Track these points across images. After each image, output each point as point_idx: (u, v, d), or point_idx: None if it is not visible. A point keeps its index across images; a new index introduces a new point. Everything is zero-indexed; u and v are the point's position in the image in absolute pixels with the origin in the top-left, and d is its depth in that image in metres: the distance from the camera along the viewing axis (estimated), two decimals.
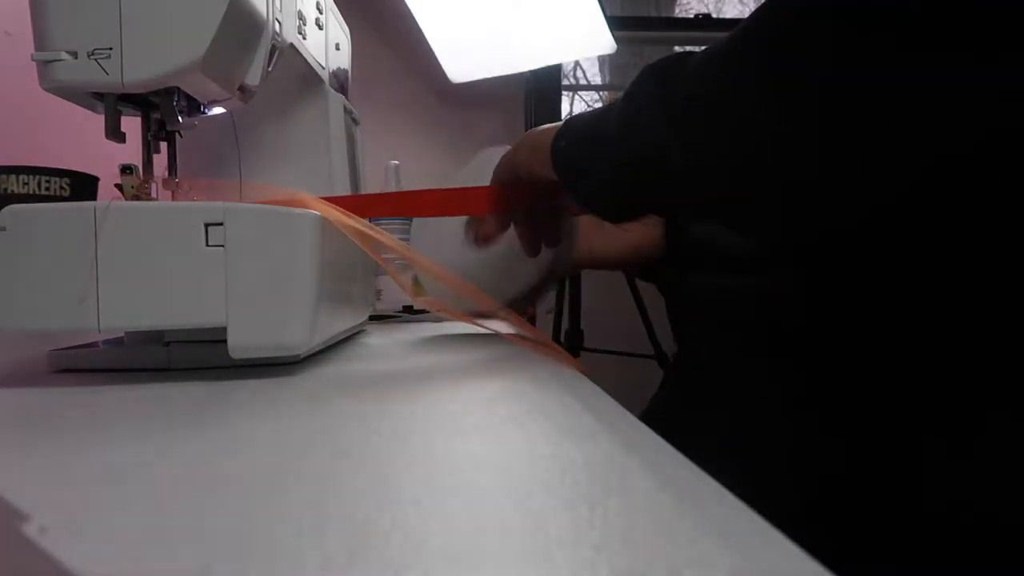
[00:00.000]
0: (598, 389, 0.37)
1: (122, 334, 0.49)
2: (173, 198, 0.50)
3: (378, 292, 0.82)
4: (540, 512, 0.18)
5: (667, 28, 2.19)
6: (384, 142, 1.72)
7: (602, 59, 2.28)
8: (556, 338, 1.46)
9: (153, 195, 0.48)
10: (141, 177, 0.47)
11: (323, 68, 0.61)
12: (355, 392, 0.37)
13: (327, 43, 0.63)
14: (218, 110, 0.52)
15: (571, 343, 1.45)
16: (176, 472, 0.23)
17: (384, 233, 0.49)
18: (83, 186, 0.69)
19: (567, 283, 1.46)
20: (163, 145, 0.50)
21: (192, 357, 0.44)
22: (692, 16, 2.09)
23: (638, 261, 0.73)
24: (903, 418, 0.41)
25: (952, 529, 0.38)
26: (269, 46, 0.49)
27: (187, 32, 0.42)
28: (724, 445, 0.46)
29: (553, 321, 1.49)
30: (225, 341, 0.39)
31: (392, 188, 0.92)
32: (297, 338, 0.41)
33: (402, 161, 0.97)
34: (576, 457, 0.23)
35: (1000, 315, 0.37)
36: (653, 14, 2.35)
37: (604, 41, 1.50)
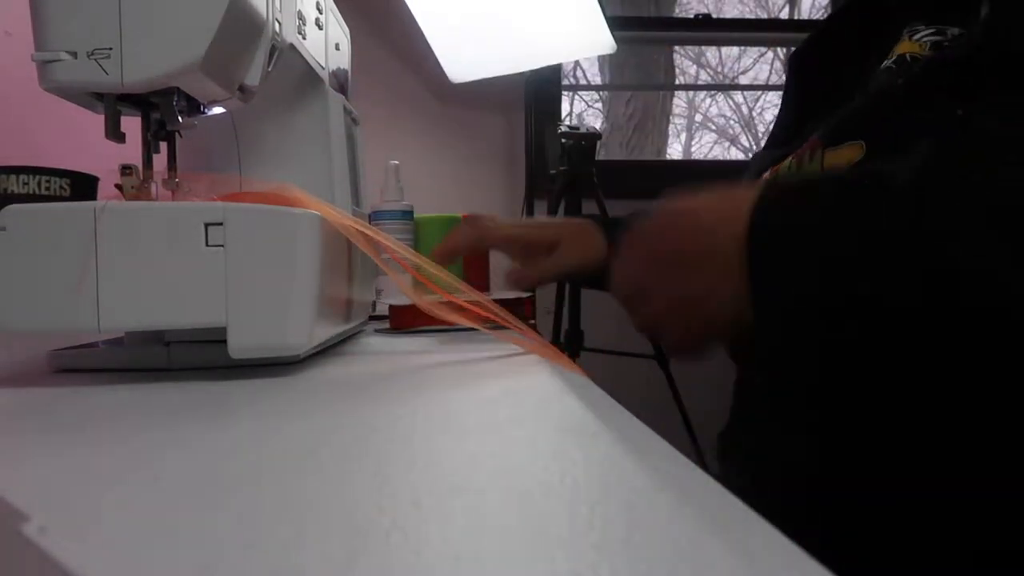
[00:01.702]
0: (598, 389, 0.37)
1: (122, 334, 0.49)
2: (173, 198, 0.50)
3: (378, 292, 0.82)
4: (540, 512, 0.18)
5: (666, 28, 2.19)
6: (384, 142, 1.72)
7: (602, 59, 2.28)
8: (556, 338, 1.46)
9: (153, 195, 0.48)
10: (141, 177, 0.47)
11: (323, 68, 0.61)
12: (355, 392, 0.37)
13: (327, 43, 0.63)
14: (218, 110, 0.52)
15: (571, 343, 1.45)
16: (176, 472, 0.23)
17: (384, 234, 0.49)
18: (83, 186, 0.69)
19: (567, 283, 1.46)
20: (163, 145, 0.50)
21: (192, 357, 0.44)
22: (692, 16, 2.09)
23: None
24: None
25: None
26: (269, 46, 0.49)
27: (187, 32, 0.42)
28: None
29: (553, 321, 1.48)
30: (225, 341, 0.40)
31: (392, 188, 0.92)
32: (297, 338, 0.41)
33: (402, 161, 0.97)
34: (576, 457, 0.23)
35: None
36: (653, 14, 2.35)
37: (604, 41, 1.50)
